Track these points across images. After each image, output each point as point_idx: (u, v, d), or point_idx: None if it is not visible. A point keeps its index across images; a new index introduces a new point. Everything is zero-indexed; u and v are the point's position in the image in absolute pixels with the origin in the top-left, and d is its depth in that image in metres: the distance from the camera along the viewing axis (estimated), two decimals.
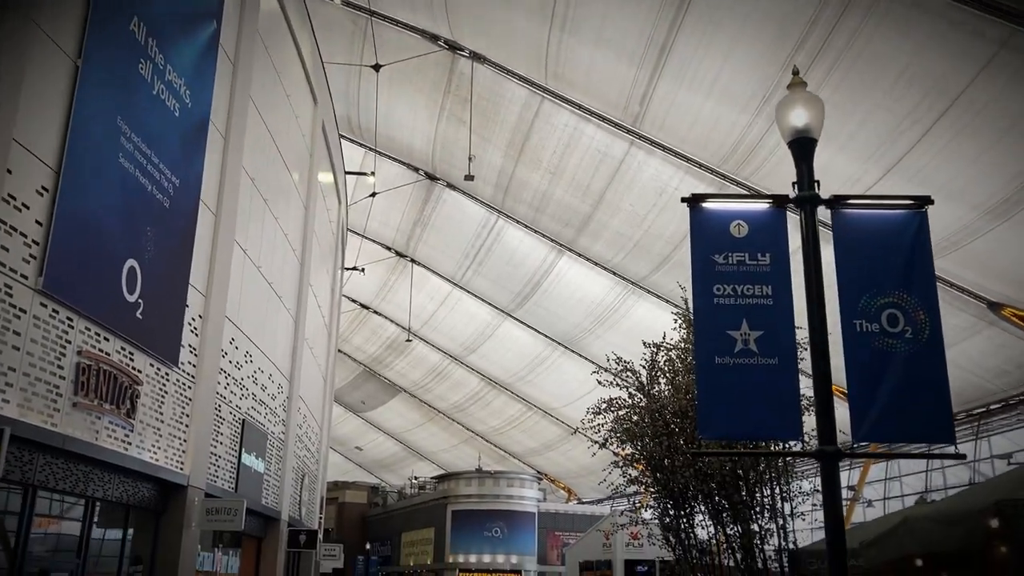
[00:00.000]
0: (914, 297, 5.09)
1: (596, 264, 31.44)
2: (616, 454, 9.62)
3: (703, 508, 8.65)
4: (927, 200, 5.23)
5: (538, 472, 51.94)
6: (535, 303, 36.00)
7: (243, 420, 15.76)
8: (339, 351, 50.85)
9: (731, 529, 8.48)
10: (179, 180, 12.72)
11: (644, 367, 9.29)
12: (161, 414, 12.17)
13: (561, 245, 31.68)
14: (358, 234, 36.60)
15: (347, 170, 28.01)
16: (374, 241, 38.19)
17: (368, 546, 57.61)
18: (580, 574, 45.28)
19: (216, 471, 14.47)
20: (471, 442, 54.17)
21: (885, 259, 5.16)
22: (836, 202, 5.32)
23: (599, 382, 9.88)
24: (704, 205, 5.41)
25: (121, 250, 11.11)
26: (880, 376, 4.94)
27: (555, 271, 33.37)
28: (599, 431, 9.18)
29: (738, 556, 8.38)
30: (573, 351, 37.63)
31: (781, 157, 21.41)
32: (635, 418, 9.00)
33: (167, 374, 12.34)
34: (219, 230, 14.28)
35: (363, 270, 34.82)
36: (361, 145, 31.49)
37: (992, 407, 26.31)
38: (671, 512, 8.86)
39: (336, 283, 28.98)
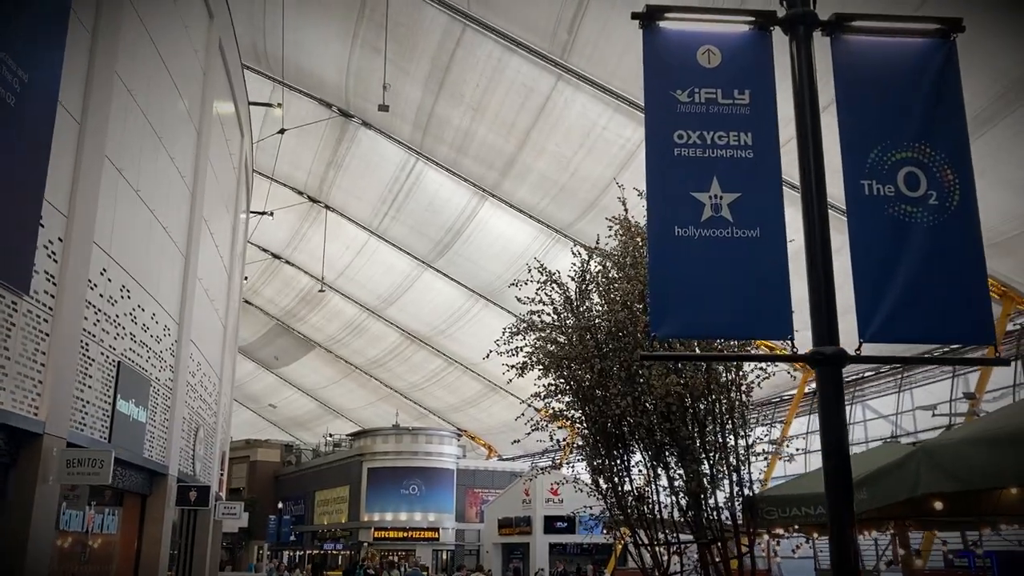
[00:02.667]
0: (939, 152, 3.82)
1: (520, 211, 30.07)
2: (535, 403, 8.28)
3: (641, 447, 7.39)
4: (957, 25, 3.93)
5: (458, 429, 50.86)
6: (456, 252, 34.50)
7: (118, 362, 13.91)
8: (249, 303, 48.61)
9: (675, 471, 7.26)
10: (28, 76, 10.72)
11: (573, 279, 7.98)
12: (7, 350, 10.31)
13: (483, 190, 30.17)
14: (267, 177, 34.34)
15: (251, 100, 25.79)
16: (284, 185, 35.98)
17: (280, 505, 55.87)
18: (499, 531, 44.64)
19: (83, 418, 12.64)
20: (389, 399, 52.70)
21: (902, 101, 3.88)
22: (838, 24, 3.97)
23: (518, 299, 8.52)
24: (663, 25, 3.98)
25: None
26: (896, 254, 3.68)
27: (477, 218, 31.88)
28: (517, 354, 7.84)
29: (683, 504, 7.16)
30: (495, 304, 36.32)
31: None
32: (561, 339, 7.65)
33: (14, 303, 10.46)
34: (84, 142, 12.30)
35: (272, 214, 32.69)
36: (269, 78, 29.22)
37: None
38: (602, 452, 7.57)
39: (239, 224, 26.86)
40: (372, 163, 32.07)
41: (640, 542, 7.52)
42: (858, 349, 3.66)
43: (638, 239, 7.77)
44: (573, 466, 8.55)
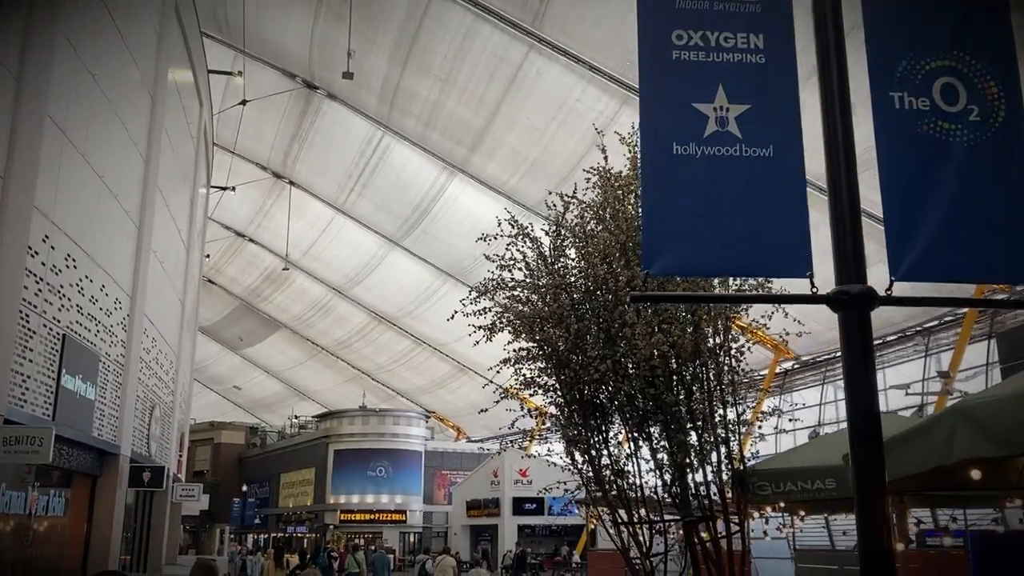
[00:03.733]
0: (981, 61, 3.29)
1: (490, 187, 29.38)
2: (504, 369, 7.63)
3: (622, 415, 6.80)
4: None
5: (426, 410, 50.27)
6: (424, 230, 33.76)
7: (63, 335, 13.11)
8: (212, 282, 47.51)
9: (658, 443, 6.69)
10: None
11: (547, 233, 7.39)
12: None
13: (452, 165, 29.44)
14: (228, 151, 33.28)
15: (210, 68, 24.77)
16: (247, 159, 34.92)
17: (245, 488, 55.02)
18: (467, 513, 44.21)
19: (24, 394, 11.86)
20: (357, 380, 51.93)
21: (936, 2, 3.35)
22: None
23: (487, 256, 7.92)
24: None
25: None
26: (932, 176, 3.15)
27: (446, 195, 31.16)
28: (485, 315, 7.24)
29: (667, 478, 6.60)
30: (465, 284, 35.66)
31: None
32: (534, 297, 7.06)
33: None
34: (22, 99, 11.51)
35: (234, 189, 31.71)
36: (229, 46, 28.16)
37: (888, 338, 25.99)
38: (578, 422, 6.98)
39: (198, 198, 25.92)
40: (337, 137, 31.19)
41: (620, 520, 6.95)
42: (888, 289, 3.13)
43: (619, 191, 7.20)
44: (547, 438, 7.95)
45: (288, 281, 44.17)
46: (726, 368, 6.75)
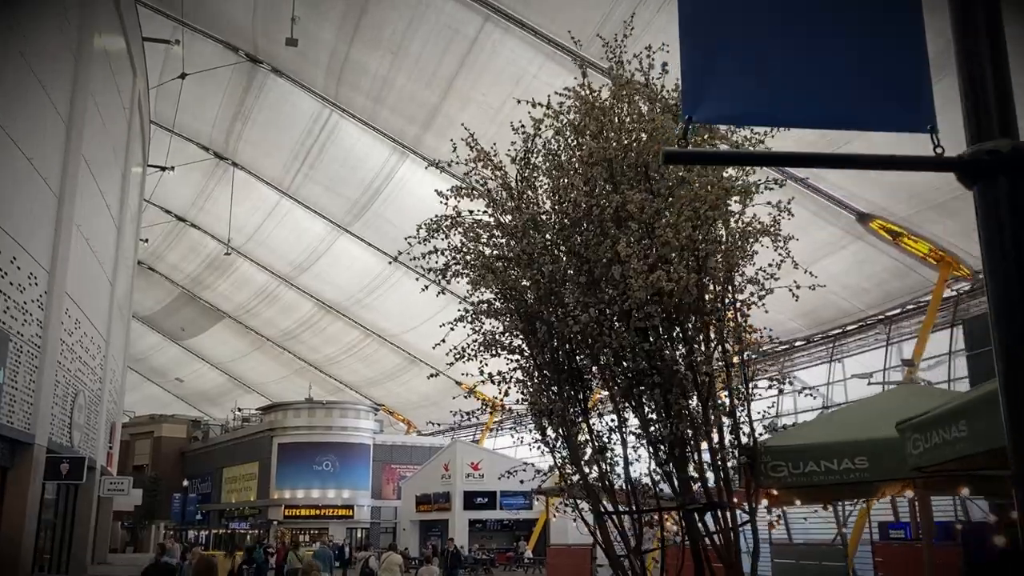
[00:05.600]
0: None
1: (443, 169, 28.19)
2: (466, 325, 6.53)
3: (606, 381, 5.76)
4: None
5: (375, 403, 48.91)
6: (375, 213, 32.44)
7: None
8: (152, 270, 45.65)
9: (650, 412, 5.68)
10: None
11: (514, 161, 6.37)
12: None
13: (404, 146, 28.21)
14: (167, 129, 31.61)
15: (145, 36, 23.21)
16: (187, 139, 33.24)
17: (186, 483, 53.10)
18: (417, 508, 42.98)
19: None
20: (303, 372, 50.38)
21: None
22: None
23: (438, 192, 6.89)
24: None
25: None
26: None
27: (397, 176, 29.90)
28: (437, 258, 6.21)
29: (662, 455, 5.59)
30: (417, 272, 34.41)
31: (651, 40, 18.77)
32: (497, 234, 6.00)
33: None
34: None
35: (172, 169, 30.09)
36: (168, 16, 26.58)
37: (848, 328, 25.47)
38: (552, 389, 5.92)
39: (133, 176, 24.35)
40: (283, 114, 29.75)
41: (604, 510, 5.90)
42: None
43: (602, 114, 6.18)
44: (511, 410, 6.87)
45: (232, 268, 42.51)
46: (732, 325, 5.78)
